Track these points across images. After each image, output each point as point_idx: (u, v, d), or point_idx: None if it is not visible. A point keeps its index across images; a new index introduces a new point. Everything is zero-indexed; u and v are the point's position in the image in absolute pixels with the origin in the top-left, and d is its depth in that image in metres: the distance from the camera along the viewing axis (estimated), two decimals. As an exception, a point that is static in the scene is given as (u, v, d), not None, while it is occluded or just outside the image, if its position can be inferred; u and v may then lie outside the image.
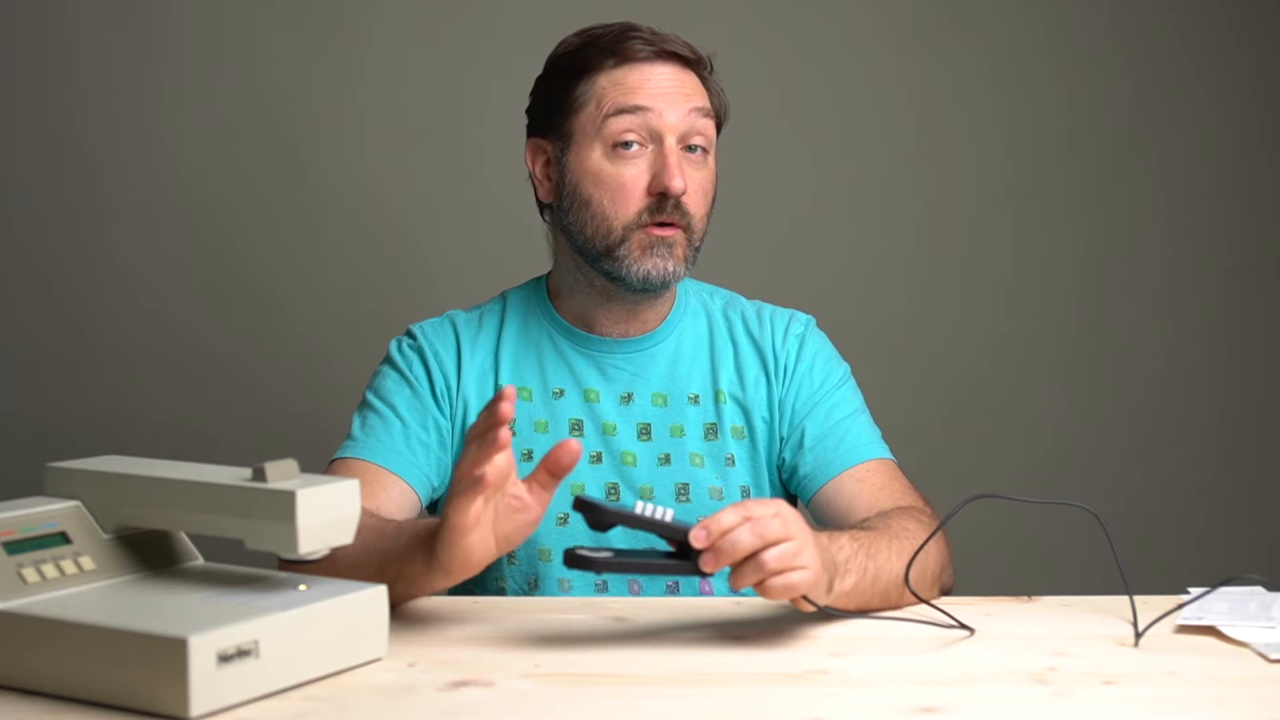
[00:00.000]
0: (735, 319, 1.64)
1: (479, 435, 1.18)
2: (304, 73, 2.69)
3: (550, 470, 1.21)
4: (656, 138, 1.51)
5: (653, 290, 1.55)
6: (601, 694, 1.10)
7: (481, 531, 1.19)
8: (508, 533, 1.21)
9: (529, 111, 1.62)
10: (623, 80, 1.53)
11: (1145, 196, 2.89)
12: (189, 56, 2.67)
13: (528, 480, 1.22)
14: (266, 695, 1.07)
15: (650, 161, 1.51)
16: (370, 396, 1.59)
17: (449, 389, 1.58)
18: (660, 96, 1.52)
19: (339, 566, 1.26)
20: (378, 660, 1.17)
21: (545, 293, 1.64)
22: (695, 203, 1.53)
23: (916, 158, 2.85)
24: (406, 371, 1.59)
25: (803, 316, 1.67)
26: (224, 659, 1.03)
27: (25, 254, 2.66)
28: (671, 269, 1.53)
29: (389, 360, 1.61)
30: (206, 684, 1.02)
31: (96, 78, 2.65)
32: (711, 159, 1.57)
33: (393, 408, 1.56)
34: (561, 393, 1.59)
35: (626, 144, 1.51)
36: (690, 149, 1.53)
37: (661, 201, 1.51)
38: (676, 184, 1.49)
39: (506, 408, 1.16)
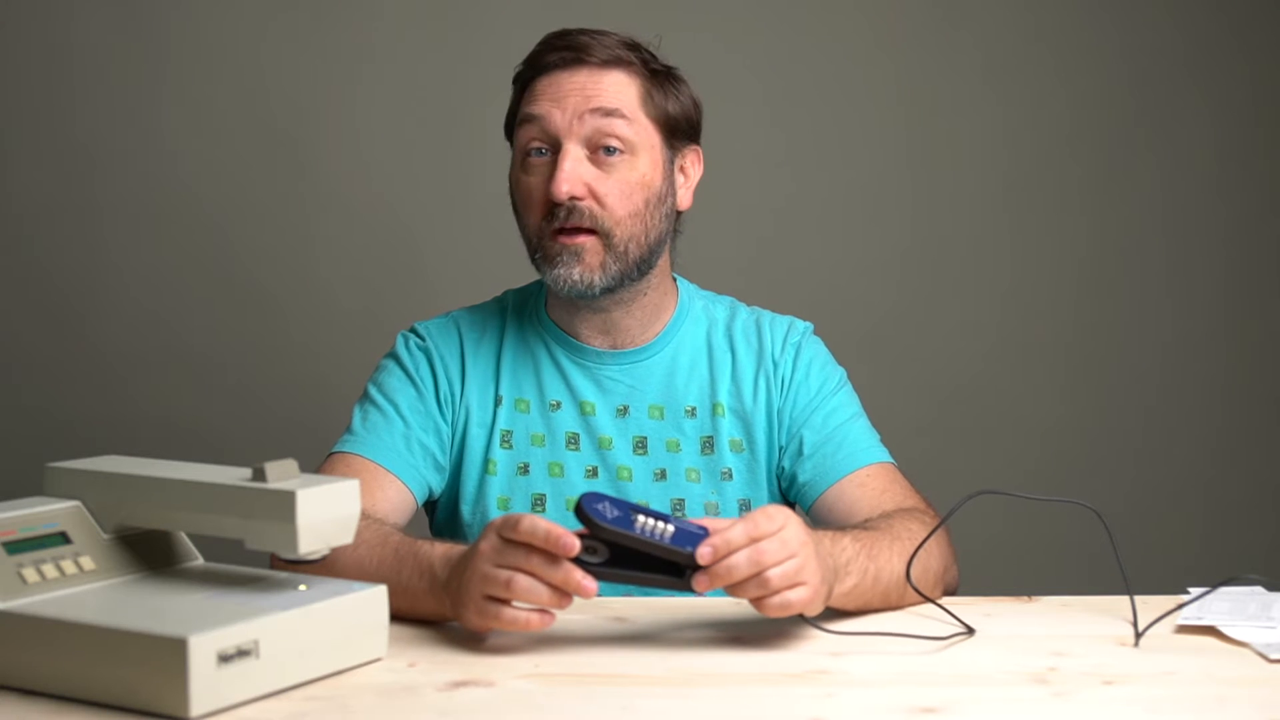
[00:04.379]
0: (735, 328, 1.63)
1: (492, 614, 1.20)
2: (304, 73, 2.69)
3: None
4: (556, 144, 1.50)
5: (580, 297, 1.52)
6: (601, 694, 1.10)
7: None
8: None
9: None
10: (533, 89, 1.53)
11: (1144, 196, 2.89)
12: (189, 57, 2.67)
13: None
14: (266, 695, 1.07)
15: (552, 168, 1.50)
16: (373, 391, 1.58)
17: (453, 395, 1.58)
18: (556, 101, 1.50)
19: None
20: (378, 660, 1.17)
21: (544, 298, 1.63)
22: (609, 205, 1.50)
23: (914, 157, 2.85)
24: (413, 372, 1.58)
25: (800, 324, 1.66)
26: (224, 659, 1.03)
27: (26, 253, 2.66)
28: (579, 276, 1.50)
29: (395, 357, 1.60)
30: (206, 684, 1.02)
31: (97, 77, 2.65)
32: (642, 159, 1.52)
33: (395, 406, 1.55)
34: (558, 405, 1.58)
35: (536, 151, 1.51)
36: (607, 150, 1.50)
37: (555, 208, 1.49)
38: (557, 189, 1.47)
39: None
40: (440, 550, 1.28)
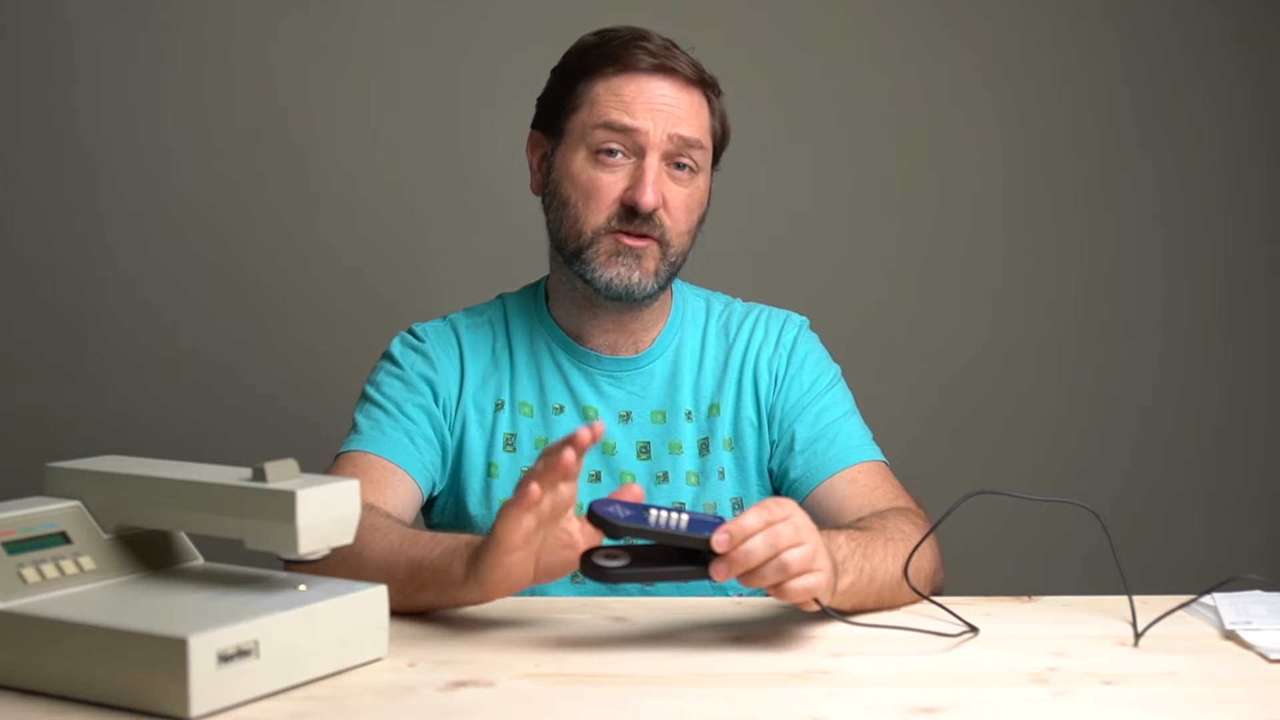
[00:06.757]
0: (731, 325, 1.64)
1: (550, 453, 1.18)
2: (306, 73, 2.69)
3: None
4: (639, 151, 1.52)
5: (620, 299, 1.54)
6: (601, 694, 1.10)
7: (525, 554, 1.20)
8: (549, 565, 1.22)
9: (537, 102, 1.62)
10: (619, 90, 1.53)
11: (1143, 197, 2.89)
12: (191, 57, 2.67)
13: (582, 520, 1.22)
14: (266, 695, 1.07)
15: (630, 172, 1.52)
16: (373, 392, 1.58)
17: (450, 397, 1.58)
18: (650, 113, 1.51)
19: (365, 567, 1.27)
20: (378, 660, 1.17)
21: (543, 299, 1.64)
22: (675, 219, 1.53)
23: (912, 156, 2.85)
24: (409, 371, 1.58)
25: (796, 318, 1.66)
26: (224, 659, 1.03)
27: (26, 253, 2.66)
28: (637, 280, 1.52)
29: (392, 359, 1.61)
30: (206, 684, 1.02)
31: (99, 78, 2.65)
32: (702, 178, 1.56)
33: (397, 404, 1.56)
34: (561, 409, 1.59)
35: (610, 151, 1.52)
36: (678, 166, 1.53)
37: (631, 213, 1.51)
38: (647, 200, 1.50)
39: (585, 435, 1.16)
40: (479, 537, 1.28)
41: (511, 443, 1.57)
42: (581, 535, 1.23)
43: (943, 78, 2.84)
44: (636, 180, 1.50)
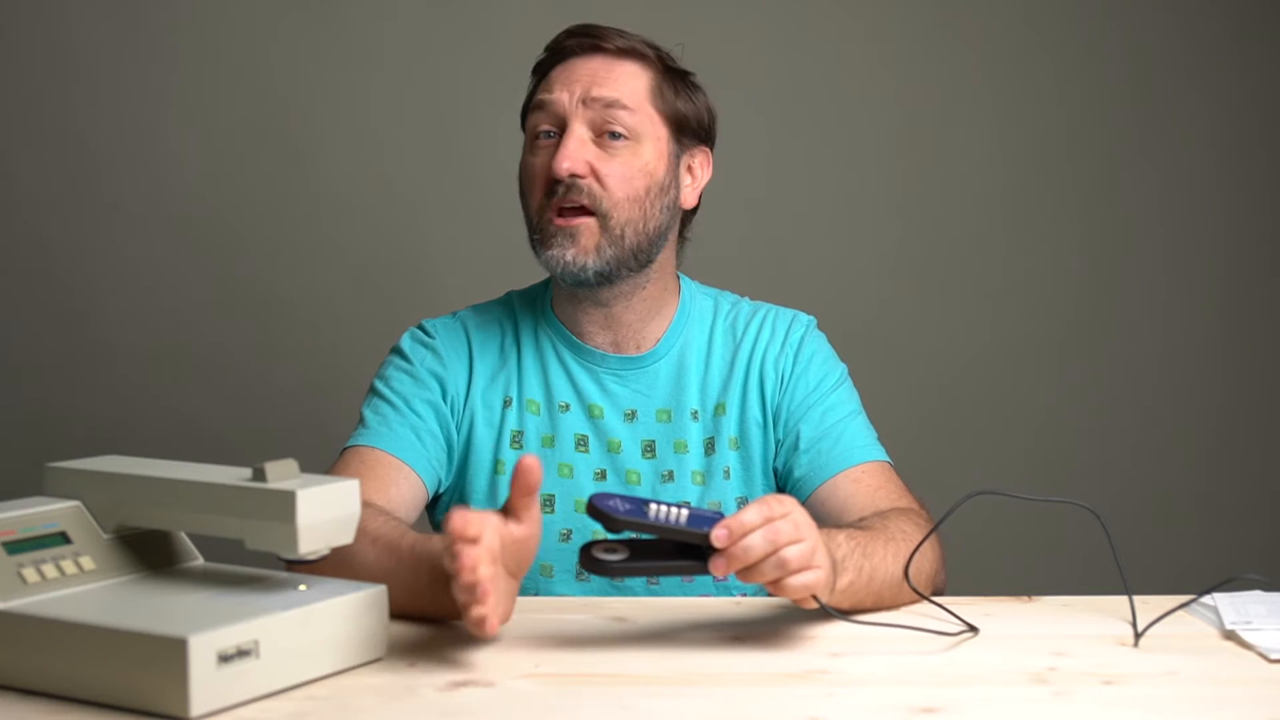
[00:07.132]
0: (739, 325, 1.63)
1: (459, 585, 1.11)
2: (309, 73, 2.70)
3: (525, 492, 1.16)
4: (563, 124, 1.53)
5: (574, 283, 1.53)
6: (601, 694, 1.10)
7: (496, 598, 1.14)
8: (519, 562, 1.19)
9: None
10: (547, 75, 1.56)
11: (1144, 198, 2.89)
12: (192, 56, 2.67)
13: (512, 511, 1.17)
14: (266, 695, 1.07)
15: (558, 149, 1.52)
16: (381, 387, 1.58)
17: (459, 393, 1.58)
18: (567, 84, 1.53)
19: (361, 579, 1.25)
20: (378, 660, 1.17)
21: (549, 298, 1.64)
22: (609, 188, 1.51)
23: (915, 156, 2.85)
24: (419, 367, 1.58)
25: (804, 318, 1.66)
26: (224, 659, 1.03)
27: (29, 252, 2.66)
28: (572, 258, 1.51)
29: (401, 354, 1.61)
30: (206, 684, 1.02)
31: (100, 78, 2.65)
32: (647, 148, 1.54)
33: (405, 399, 1.56)
34: (567, 407, 1.59)
35: (546, 134, 1.54)
36: (612, 136, 1.52)
37: (556, 185, 1.51)
38: (559, 165, 1.49)
39: (470, 556, 1.09)
40: None
41: (518, 440, 1.57)
42: (528, 524, 1.17)
43: (943, 78, 2.84)
44: (556, 152, 1.51)
